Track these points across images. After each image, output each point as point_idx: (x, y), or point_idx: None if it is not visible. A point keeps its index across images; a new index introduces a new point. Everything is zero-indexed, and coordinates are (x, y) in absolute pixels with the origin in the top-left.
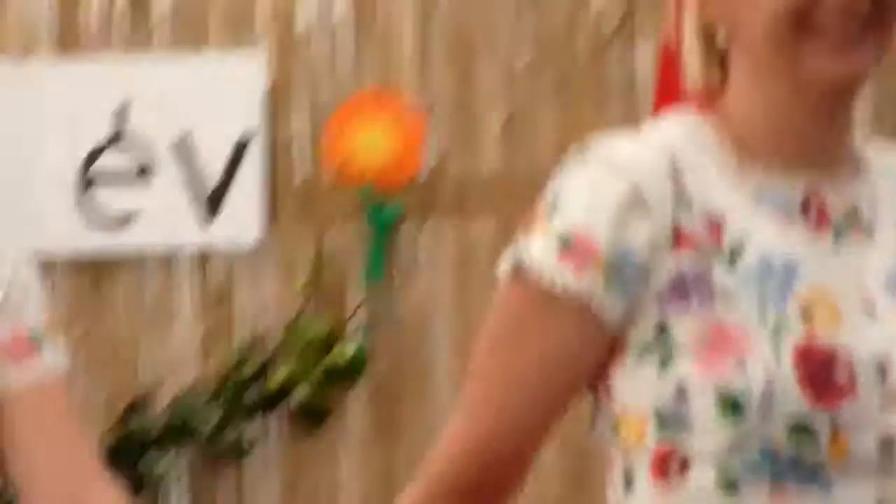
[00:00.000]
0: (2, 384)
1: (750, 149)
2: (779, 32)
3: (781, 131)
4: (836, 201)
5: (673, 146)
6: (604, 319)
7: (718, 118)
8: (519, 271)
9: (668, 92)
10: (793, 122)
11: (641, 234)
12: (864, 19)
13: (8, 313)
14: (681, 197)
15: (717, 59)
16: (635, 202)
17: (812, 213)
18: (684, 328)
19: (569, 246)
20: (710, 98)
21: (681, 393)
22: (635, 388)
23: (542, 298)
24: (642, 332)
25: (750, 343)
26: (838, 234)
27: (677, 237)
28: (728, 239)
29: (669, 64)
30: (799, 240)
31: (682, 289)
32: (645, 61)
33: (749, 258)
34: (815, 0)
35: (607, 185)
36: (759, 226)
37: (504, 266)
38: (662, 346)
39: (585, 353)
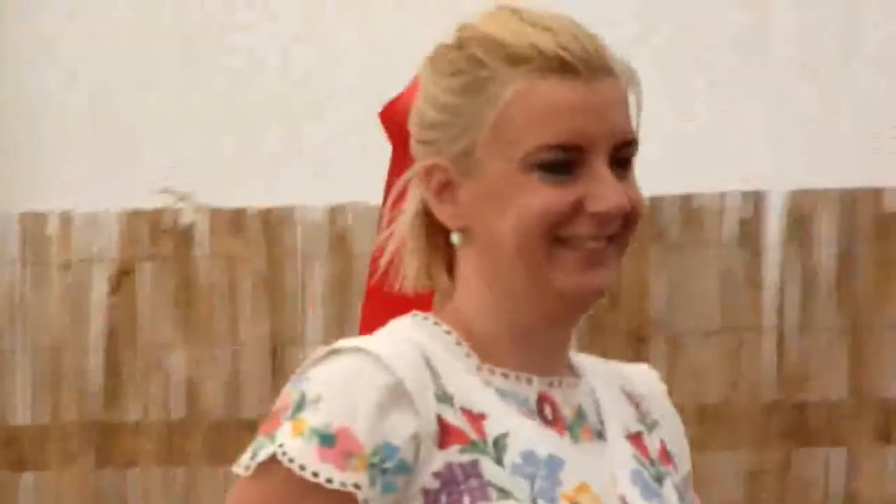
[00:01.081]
0: None
1: (485, 351)
2: (531, 243)
3: (515, 336)
4: (565, 404)
5: (421, 344)
6: None
7: (451, 321)
8: (270, 467)
9: (376, 298)
10: (528, 329)
11: (405, 430)
12: (609, 237)
13: None
14: (441, 392)
15: (444, 261)
16: (399, 396)
17: (546, 412)
18: None
19: (331, 442)
20: (424, 301)
21: None
22: None
23: (303, 492)
24: None
25: None
26: (572, 435)
27: (444, 432)
28: (490, 434)
29: (375, 272)
30: (551, 437)
31: (453, 484)
32: None
33: (513, 453)
34: (571, 217)
35: (369, 379)
36: (516, 422)
37: (246, 461)
38: None
39: None
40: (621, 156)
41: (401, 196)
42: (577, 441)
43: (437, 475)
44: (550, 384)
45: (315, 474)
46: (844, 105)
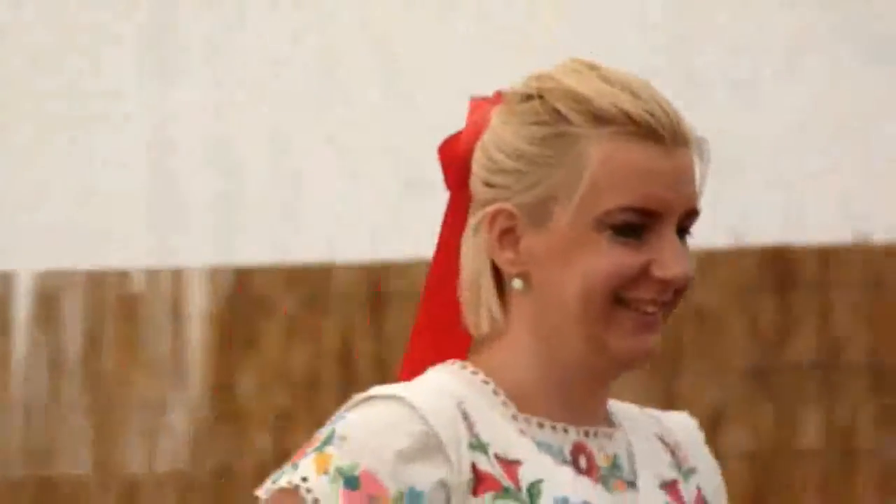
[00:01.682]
0: None
1: (522, 400)
2: (595, 300)
3: (556, 387)
4: (600, 454)
5: (457, 393)
6: None
7: (488, 368)
8: (290, 495)
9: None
10: (570, 382)
11: (432, 476)
12: (663, 303)
13: None
14: (476, 441)
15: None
16: (430, 446)
17: (581, 462)
18: None
19: (355, 486)
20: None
21: None
22: None
23: None
24: None
25: None
26: (606, 485)
27: (478, 480)
28: (524, 481)
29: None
30: (586, 485)
31: None
32: None
33: (547, 499)
34: (636, 279)
35: (401, 426)
36: (551, 470)
37: (268, 485)
38: None
39: None
40: (684, 225)
41: (450, 240)
42: (609, 491)
43: None
44: (587, 434)
45: None
46: None
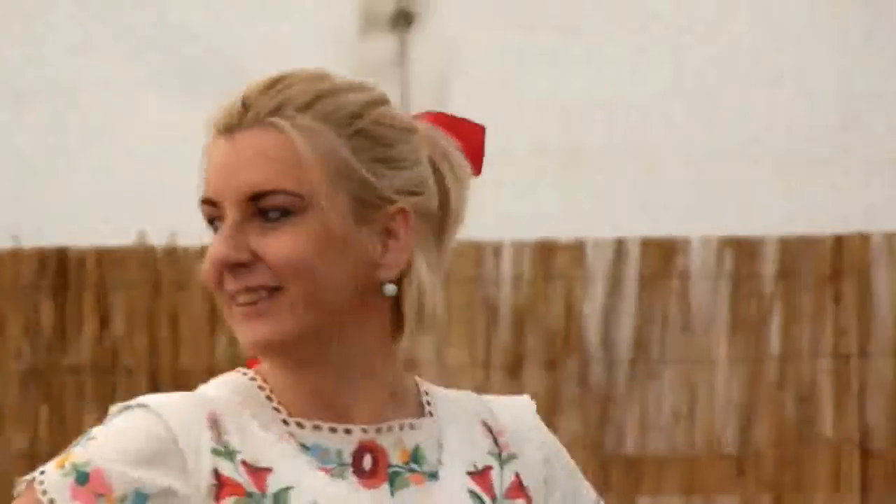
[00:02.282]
0: None
1: (293, 405)
2: (219, 300)
3: (296, 385)
4: (394, 450)
5: (215, 402)
6: None
7: (266, 374)
8: (30, 488)
9: None
10: (291, 377)
11: (161, 483)
12: (248, 289)
13: None
14: (222, 448)
15: None
16: (164, 451)
17: (365, 463)
18: None
19: (83, 481)
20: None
21: None
22: None
23: None
24: None
25: None
26: (392, 483)
27: (220, 485)
28: (272, 488)
29: None
30: (349, 488)
31: None
32: None
33: (297, 502)
34: (221, 272)
35: (142, 430)
36: (303, 475)
37: (25, 478)
38: None
39: None
40: (265, 208)
41: None
42: (397, 490)
43: None
44: (378, 430)
45: None
46: None
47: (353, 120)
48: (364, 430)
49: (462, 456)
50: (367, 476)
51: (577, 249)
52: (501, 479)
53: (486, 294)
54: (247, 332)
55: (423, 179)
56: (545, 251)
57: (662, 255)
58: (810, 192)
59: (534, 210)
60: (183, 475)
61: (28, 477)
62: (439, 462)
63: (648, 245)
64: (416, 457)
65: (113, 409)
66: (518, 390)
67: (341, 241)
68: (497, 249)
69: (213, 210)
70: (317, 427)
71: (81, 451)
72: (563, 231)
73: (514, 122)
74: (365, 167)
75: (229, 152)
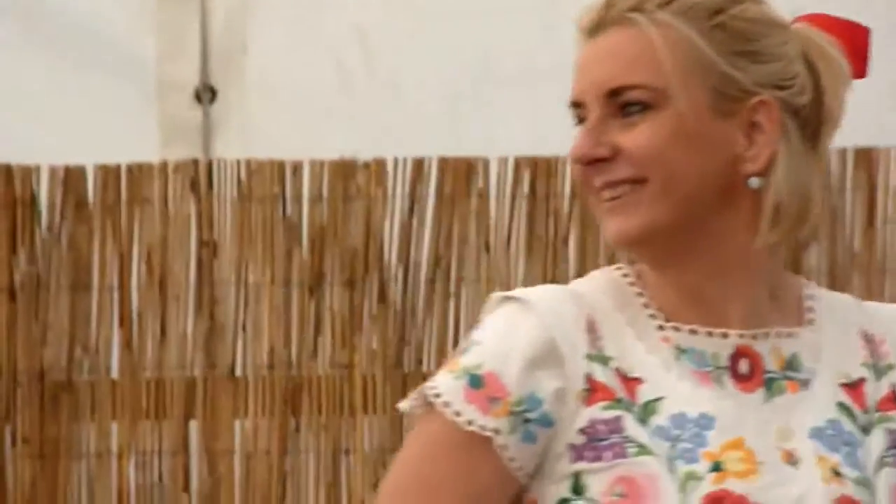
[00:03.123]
0: None
1: (671, 308)
2: (585, 196)
3: (671, 286)
4: (769, 356)
5: (592, 304)
6: (510, 463)
7: (640, 275)
8: (431, 406)
9: None
10: (668, 277)
11: (551, 385)
12: (615, 183)
13: None
14: (596, 352)
15: None
16: (549, 353)
17: (741, 368)
18: (598, 480)
19: (478, 385)
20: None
21: None
22: None
23: (445, 430)
24: (558, 487)
25: (659, 494)
26: (769, 389)
27: (592, 390)
28: (642, 397)
29: None
30: (717, 395)
31: (596, 441)
32: None
33: (662, 416)
34: (587, 168)
35: (524, 332)
36: (675, 384)
37: (414, 400)
38: (578, 500)
39: (495, 493)
40: (622, 103)
41: None
42: (770, 396)
43: (582, 431)
44: (755, 336)
45: (458, 413)
46: None
47: (713, 15)
48: (741, 336)
49: (837, 367)
50: (744, 380)
51: (377, 168)
52: (876, 391)
53: (287, 212)
54: (611, 226)
55: (792, 74)
56: (345, 170)
57: (460, 174)
58: None
59: (336, 129)
60: (563, 378)
61: (412, 395)
62: (813, 371)
63: (446, 164)
64: (792, 364)
65: (491, 300)
66: (318, 309)
67: (701, 133)
68: (297, 167)
69: (580, 111)
70: (693, 331)
71: (471, 356)
72: (364, 150)
73: (315, 47)
74: (725, 60)
75: (591, 53)
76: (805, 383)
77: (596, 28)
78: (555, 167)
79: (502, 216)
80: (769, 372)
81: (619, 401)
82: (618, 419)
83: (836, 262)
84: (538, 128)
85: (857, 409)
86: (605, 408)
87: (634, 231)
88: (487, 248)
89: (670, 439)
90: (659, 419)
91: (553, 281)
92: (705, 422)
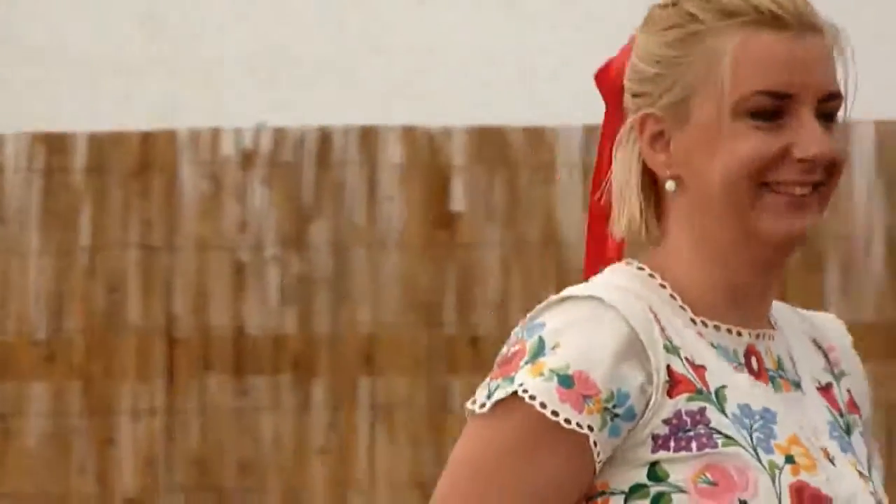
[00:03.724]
0: None
1: (696, 303)
2: (738, 186)
3: (724, 289)
4: (766, 357)
5: (643, 296)
6: (597, 456)
7: (661, 271)
8: (509, 406)
9: (597, 244)
10: (735, 280)
11: (636, 379)
12: (813, 185)
13: None
14: (669, 344)
15: (655, 211)
16: (632, 348)
17: (753, 366)
18: (682, 468)
19: (569, 384)
20: (618, 249)
21: None
22: None
23: (540, 430)
24: (632, 473)
25: (750, 484)
26: (775, 386)
27: (673, 382)
28: (712, 385)
29: (597, 218)
30: (763, 391)
31: (682, 431)
32: None
33: (732, 405)
34: (778, 162)
35: (607, 329)
36: (731, 376)
37: (482, 400)
38: (656, 486)
39: (573, 487)
40: (826, 109)
41: (610, 152)
42: (778, 392)
43: (666, 422)
44: (757, 336)
45: (555, 413)
46: None
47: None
48: (749, 335)
49: (809, 371)
50: (756, 377)
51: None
52: (840, 397)
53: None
54: (788, 223)
55: None
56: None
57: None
58: (116, 90)
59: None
60: (646, 372)
61: (495, 396)
62: (797, 374)
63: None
64: (781, 365)
65: (550, 299)
66: None
67: None
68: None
69: (777, 102)
70: (716, 327)
71: (555, 358)
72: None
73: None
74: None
75: (805, 51)
76: (796, 385)
77: (800, 24)
78: (69, 143)
79: (17, 190)
80: (769, 370)
81: (700, 392)
82: (702, 410)
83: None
84: (54, 105)
85: (836, 413)
86: (689, 399)
87: (805, 232)
88: (3, 221)
89: (745, 428)
90: (731, 407)
91: (67, 253)
92: (769, 415)
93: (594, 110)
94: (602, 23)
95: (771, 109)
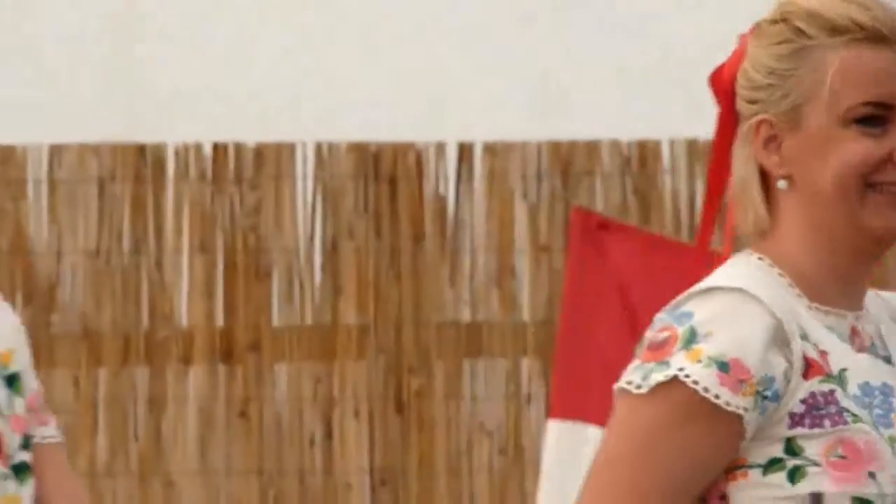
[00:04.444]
0: None
1: (808, 290)
2: (848, 186)
3: (832, 274)
4: (864, 334)
5: (771, 285)
6: (746, 435)
7: (774, 260)
8: (668, 388)
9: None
10: (842, 267)
11: (781, 365)
12: None
13: None
14: (802, 331)
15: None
16: (778, 335)
17: (855, 344)
18: (816, 443)
19: (726, 370)
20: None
21: (816, 500)
22: (760, 498)
23: (699, 411)
24: (769, 448)
25: (877, 457)
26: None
27: (809, 365)
28: (835, 368)
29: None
30: (882, 369)
31: (815, 410)
32: None
33: (853, 385)
34: (882, 165)
35: (756, 318)
36: (851, 358)
37: (638, 382)
38: (792, 460)
39: (720, 461)
40: None
41: (725, 150)
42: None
43: (802, 401)
44: (857, 318)
45: (717, 396)
46: None
47: None
48: (851, 316)
49: (894, 346)
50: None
51: None
52: None
53: None
54: (886, 219)
55: None
56: None
57: None
58: None
59: None
60: (787, 358)
61: (651, 380)
62: (886, 350)
63: None
64: (874, 343)
65: (690, 292)
66: None
67: None
68: None
69: (880, 111)
70: (827, 312)
71: (710, 345)
72: None
73: None
74: None
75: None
76: (887, 360)
77: (890, 39)
78: None
79: None
80: (868, 347)
81: (829, 375)
82: (832, 392)
83: None
84: None
85: None
86: (821, 381)
87: None
88: None
89: (865, 407)
90: (852, 388)
91: None
92: (888, 390)
93: None
94: None
95: (875, 118)
